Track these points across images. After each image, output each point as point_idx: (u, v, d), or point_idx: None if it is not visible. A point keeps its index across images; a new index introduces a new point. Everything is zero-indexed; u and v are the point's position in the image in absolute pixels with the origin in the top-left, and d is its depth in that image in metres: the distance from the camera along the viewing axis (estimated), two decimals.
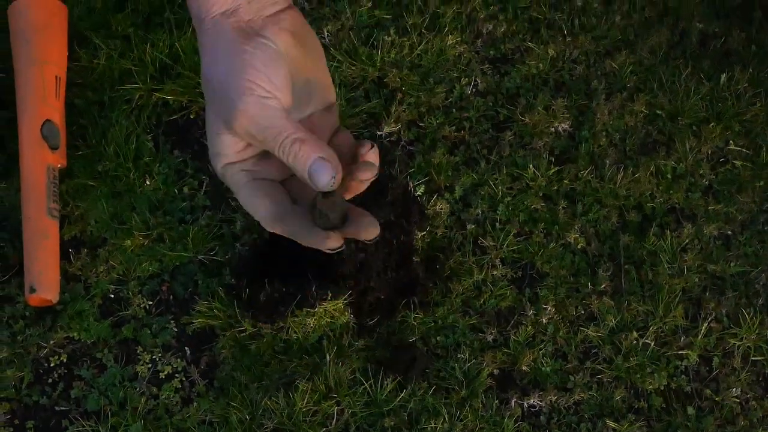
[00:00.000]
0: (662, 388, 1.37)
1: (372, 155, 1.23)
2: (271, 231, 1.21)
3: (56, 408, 1.35)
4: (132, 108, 1.49)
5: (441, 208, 1.42)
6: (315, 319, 1.34)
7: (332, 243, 1.22)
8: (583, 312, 1.38)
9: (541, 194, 1.43)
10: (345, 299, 1.32)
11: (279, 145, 1.14)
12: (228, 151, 1.18)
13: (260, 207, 1.20)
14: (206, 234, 1.40)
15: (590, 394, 1.36)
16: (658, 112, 1.50)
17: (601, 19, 1.58)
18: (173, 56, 1.51)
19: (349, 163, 1.25)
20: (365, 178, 1.21)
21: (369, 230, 1.21)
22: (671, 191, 1.46)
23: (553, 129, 1.48)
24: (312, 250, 1.28)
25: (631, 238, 1.42)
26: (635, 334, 1.38)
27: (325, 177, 1.14)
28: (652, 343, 1.37)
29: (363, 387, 1.33)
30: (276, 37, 1.17)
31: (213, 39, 1.17)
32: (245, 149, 1.18)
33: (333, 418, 1.33)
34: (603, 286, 1.40)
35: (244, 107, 1.14)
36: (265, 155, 1.20)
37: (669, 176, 1.46)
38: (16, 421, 1.35)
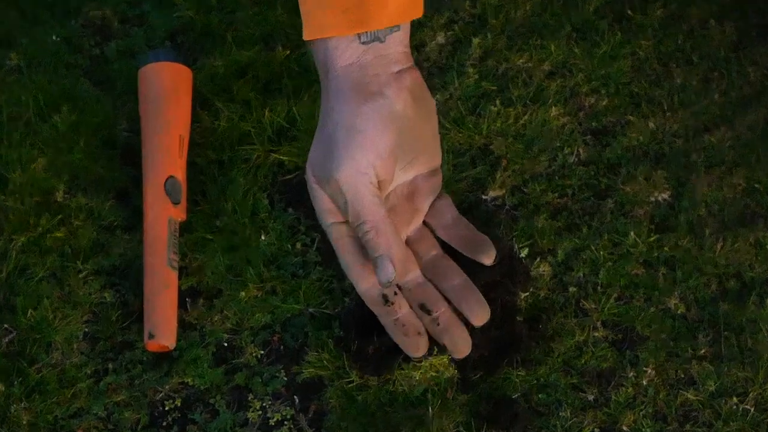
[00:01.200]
0: None
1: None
2: (368, 305, 1.26)
3: None
4: (249, 167, 1.57)
5: (544, 271, 1.47)
6: (420, 373, 1.39)
7: (417, 354, 1.29)
8: (683, 376, 1.42)
9: (641, 260, 1.48)
10: (450, 355, 1.36)
11: (356, 226, 1.21)
12: (329, 207, 1.24)
13: (362, 281, 1.26)
14: (317, 288, 1.46)
15: None
16: (756, 185, 1.54)
17: (700, 96, 1.63)
18: (290, 120, 1.60)
19: (454, 241, 1.32)
20: (477, 324, 1.28)
21: (462, 348, 1.28)
22: None
23: (653, 198, 1.53)
24: None
25: (731, 306, 1.46)
26: (735, 399, 1.41)
27: (383, 276, 1.20)
28: (752, 409, 1.40)
29: None
30: (396, 96, 1.24)
31: (335, 90, 1.24)
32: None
33: None
34: (703, 351, 1.43)
35: (339, 176, 1.20)
36: None
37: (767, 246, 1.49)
38: None
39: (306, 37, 1.22)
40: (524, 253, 1.50)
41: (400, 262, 1.23)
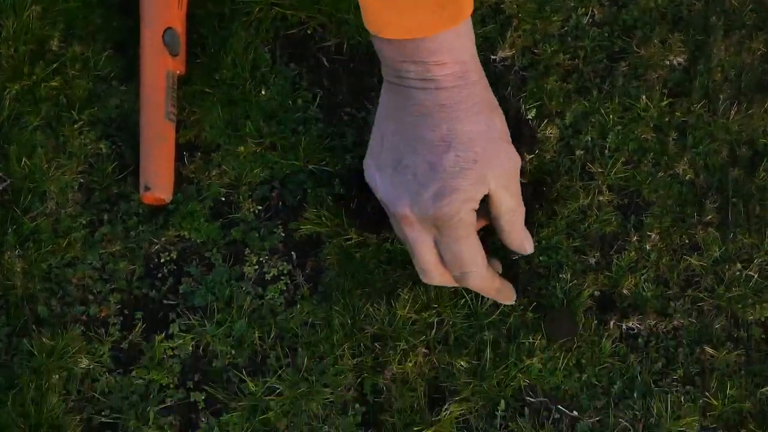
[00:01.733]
0: (763, 319, 1.42)
1: None
2: (483, 284, 1.31)
3: (164, 301, 1.44)
4: (251, 20, 1.57)
5: (551, 133, 1.48)
6: None
7: (508, 301, 1.34)
8: (687, 241, 1.44)
9: (652, 125, 1.48)
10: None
11: (519, 208, 1.31)
12: (477, 198, 1.26)
13: (483, 258, 1.29)
14: (317, 145, 1.48)
15: (690, 321, 1.41)
16: None
17: None
18: None
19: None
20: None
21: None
22: None
23: (668, 62, 1.53)
24: None
25: (741, 173, 1.47)
26: (739, 265, 1.43)
27: (531, 247, 1.25)
28: (756, 275, 1.42)
29: (464, 300, 1.40)
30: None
31: (482, 90, 1.32)
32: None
33: (433, 328, 1.40)
34: (709, 217, 1.44)
35: (514, 166, 1.32)
36: None
37: None
38: (126, 312, 1.44)
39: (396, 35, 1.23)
40: (531, 114, 1.51)
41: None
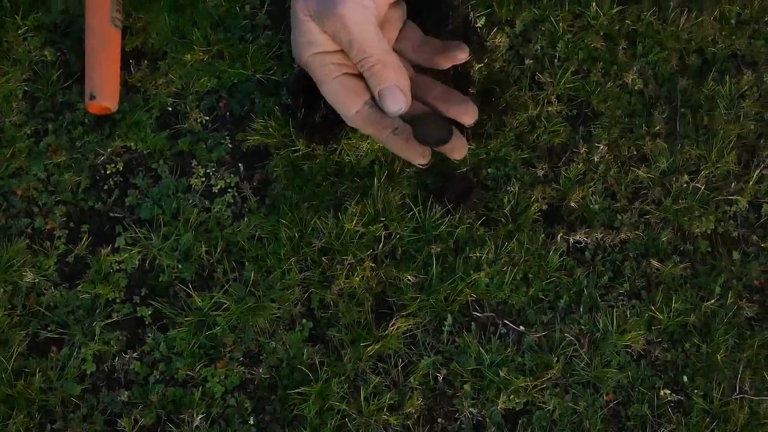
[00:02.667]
0: (709, 232, 1.33)
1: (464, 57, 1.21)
2: (354, 127, 1.19)
3: (110, 214, 1.33)
4: None
5: (500, 42, 1.36)
6: (368, 144, 1.30)
7: (423, 160, 1.20)
8: (635, 153, 1.34)
9: (601, 33, 1.38)
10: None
11: (361, 60, 1.13)
12: (319, 39, 1.16)
13: (351, 105, 1.19)
14: (265, 53, 1.36)
15: (636, 234, 1.32)
16: None
17: None
18: None
19: (425, 61, 1.23)
20: (462, 58, 1.21)
21: (469, 115, 1.20)
22: (734, 37, 1.40)
23: None
24: None
25: (690, 82, 1.36)
26: (686, 177, 1.34)
27: (394, 105, 1.15)
28: (703, 188, 1.33)
29: (411, 213, 1.30)
30: None
31: None
32: (330, 40, 1.15)
33: (380, 242, 1.30)
34: (657, 128, 1.35)
35: (344, 11, 1.12)
36: None
37: (733, 21, 1.39)
38: (72, 224, 1.33)
39: None
40: (481, 22, 1.39)
41: (407, 91, 1.16)
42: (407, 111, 1.17)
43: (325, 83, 1.17)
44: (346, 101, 1.18)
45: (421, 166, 1.26)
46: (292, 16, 1.15)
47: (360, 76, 1.18)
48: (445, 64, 1.23)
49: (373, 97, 1.18)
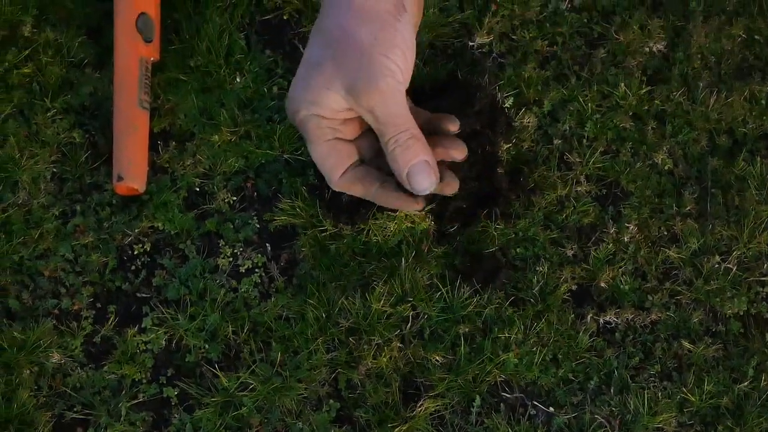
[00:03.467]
0: (741, 313, 1.39)
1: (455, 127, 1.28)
2: (339, 190, 1.25)
3: (137, 294, 1.39)
4: (226, 5, 1.52)
5: (528, 122, 1.43)
6: (395, 224, 1.37)
7: (417, 206, 1.27)
8: (666, 233, 1.40)
9: (630, 113, 1.44)
10: (426, 206, 1.34)
11: (396, 135, 1.20)
12: (329, 107, 1.22)
13: (339, 167, 1.25)
14: (293, 134, 1.43)
15: (668, 315, 1.37)
16: (756, 37, 1.49)
17: None
18: None
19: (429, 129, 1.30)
20: (458, 158, 1.27)
21: (451, 187, 1.27)
22: (764, 117, 1.46)
23: (647, 49, 1.48)
24: None
25: (720, 162, 1.43)
26: (717, 258, 1.39)
27: (425, 182, 1.22)
28: (734, 268, 1.38)
29: (439, 293, 1.36)
30: (410, 6, 1.23)
31: (359, 3, 1.20)
32: (345, 112, 1.22)
33: (408, 322, 1.36)
34: (688, 208, 1.41)
35: (385, 88, 1.19)
36: (351, 121, 1.22)
37: (763, 102, 1.46)
38: (98, 305, 1.39)
39: None
40: (509, 102, 1.46)
41: (435, 167, 1.24)
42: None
43: (316, 145, 1.23)
44: (336, 163, 1.24)
45: (417, 212, 1.33)
46: (309, 74, 1.21)
47: (349, 141, 1.24)
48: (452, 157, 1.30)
49: (360, 160, 1.24)
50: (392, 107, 1.21)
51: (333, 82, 1.20)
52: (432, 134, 1.31)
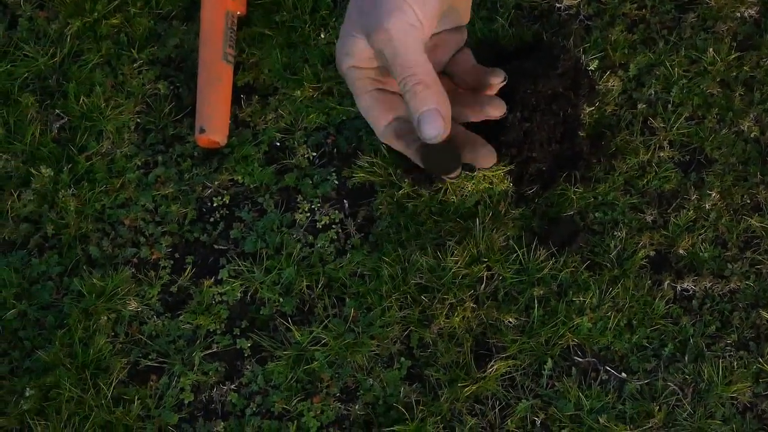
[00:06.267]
0: None
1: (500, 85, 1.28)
2: (385, 142, 1.26)
3: (215, 246, 1.42)
4: None
5: (613, 85, 1.43)
6: (473, 184, 1.37)
7: (452, 175, 1.27)
8: (749, 201, 1.39)
9: (718, 79, 1.43)
10: (506, 166, 1.34)
11: (404, 78, 1.19)
12: (359, 55, 1.23)
13: (381, 119, 1.26)
14: None
15: (747, 284, 1.37)
16: None
17: None
18: None
19: (471, 86, 1.29)
20: (494, 115, 1.26)
21: (487, 160, 1.26)
22: None
23: (738, 14, 1.47)
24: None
25: None
26: None
27: (433, 130, 1.19)
28: None
29: (515, 255, 1.37)
30: None
31: None
32: (374, 58, 1.22)
33: (482, 282, 1.37)
34: None
35: (389, 26, 1.18)
36: None
37: None
38: (177, 255, 1.42)
39: None
40: (593, 65, 1.45)
41: (448, 118, 1.22)
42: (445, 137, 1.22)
43: (360, 97, 1.24)
44: (378, 115, 1.25)
45: (451, 180, 1.33)
46: (341, 28, 1.22)
47: (395, 93, 1.24)
48: (482, 89, 1.29)
49: (403, 115, 1.24)
50: (400, 48, 1.20)
51: (356, 28, 1.21)
52: (477, 89, 1.31)
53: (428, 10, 1.20)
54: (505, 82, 1.29)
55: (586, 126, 1.40)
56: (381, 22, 1.17)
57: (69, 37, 1.52)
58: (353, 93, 1.26)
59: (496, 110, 1.29)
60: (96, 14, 1.52)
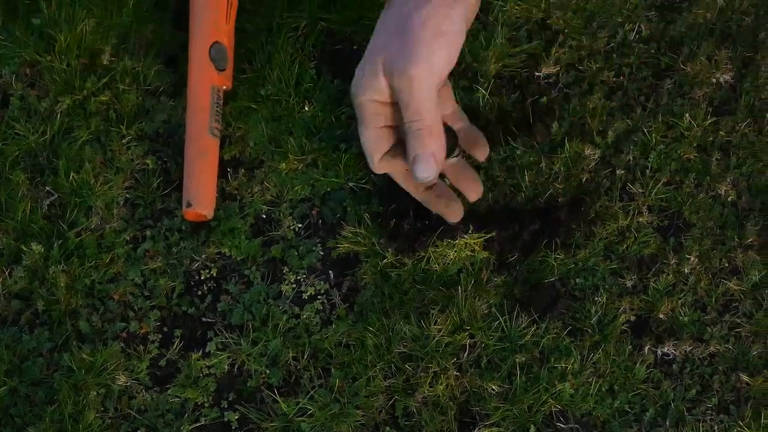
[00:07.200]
0: None
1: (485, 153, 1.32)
2: (379, 172, 1.30)
3: (203, 319, 1.44)
4: (298, 35, 1.57)
5: (591, 152, 1.45)
6: (455, 252, 1.39)
7: (454, 217, 1.32)
8: (727, 264, 1.41)
9: (695, 144, 1.46)
10: (486, 234, 1.37)
11: (413, 121, 1.24)
12: (380, 91, 1.27)
13: (380, 152, 1.29)
14: (358, 162, 1.47)
15: (726, 347, 1.38)
16: None
17: None
18: None
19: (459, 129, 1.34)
20: (480, 158, 1.31)
21: (482, 151, 1.30)
22: None
23: (714, 79, 1.49)
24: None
25: None
26: None
27: (425, 172, 1.26)
28: None
29: (497, 322, 1.39)
30: (465, 10, 1.27)
31: None
32: (392, 95, 1.26)
33: (465, 350, 1.39)
34: (750, 240, 1.42)
35: (415, 74, 1.24)
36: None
37: None
38: (165, 329, 1.45)
39: None
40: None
41: (440, 163, 1.27)
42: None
43: (367, 129, 1.28)
44: (378, 148, 1.29)
45: (453, 224, 1.37)
46: (365, 57, 1.25)
47: (395, 129, 1.28)
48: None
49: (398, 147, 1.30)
50: (417, 94, 1.25)
51: (378, 65, 1.25)
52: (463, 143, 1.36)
53: (452, 54, 1.25)
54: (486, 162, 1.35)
55: (564, 194, 1.42)
56: (408, 68, 1.22)
57: (59, 114, 1.55)
58: (361, 123, 1.30)
59: (482, 154, 1.34)
60: (85, 91, 1.55)
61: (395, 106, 1.28)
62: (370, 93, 1.28)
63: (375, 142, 1.30)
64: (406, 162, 1.29)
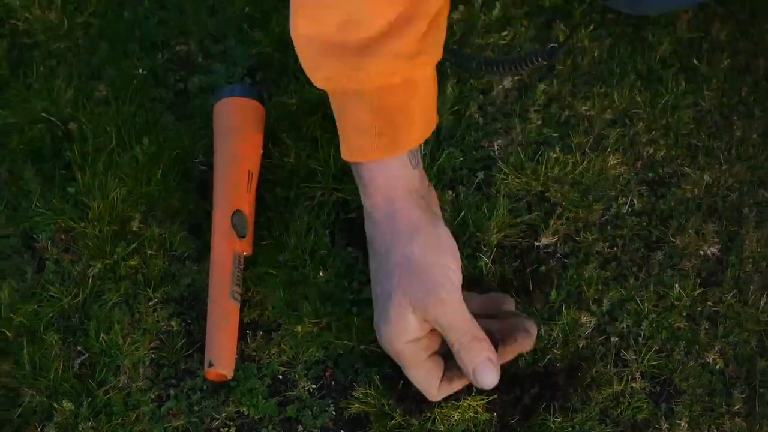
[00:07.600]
0: None
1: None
2: (439, 399, 1.43)
3: None
4: (314, 204, 1.68)
5: (587, 320, 1.55)
6: (459, 413, 1.48)
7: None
8: (715, 431, 1.49)
9: (684, 314, 1.55)
10: (489, 396, 1.46)
11: (459, 338, 1.34)
12: (415, 329, 1.37)
13: (436, 382, 1.39)
14: (369, 326, 1.55)
15: None
16: None
17: (758, 150, 1.69)
18: None
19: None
20: (528, 349, 1.41)
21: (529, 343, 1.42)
22: None
23: (702, 252, 1.59)
24: None
25: None
26: None
27: (490, 378, 1.35)
28: None
29: None
30: (438, 210, 1.41)
31: (407, 217, 1.37)
32: (424, 326, 1.36)
33: None
34: (737, 407, 1.49)
35: (444, 296, 1.35)
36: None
37: None
38: None
39: (345, 157, 1.45)
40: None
41: (497, 361, 1.37)
42: None
43: (415, 369, 1.36)
44: (433, 380, 1.38)
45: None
46: (385, 308, 1.34)
47: (436, 354, 1.36)
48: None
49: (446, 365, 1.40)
50: (452, 313, 1.34)
51: (406, 307, 1.35)
52: (493, 316, 1.45)
53: (458, 264, 1.38)
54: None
55: (563, 358, 1.51)
56: (436, 294, 1.32)
57: (91, 278, 1.65)
58: (405, 366, 1.40)
59: (530, 345, 1.51)
60: (116, 256, 1.66)
61: (427, 335, 1.37)
62: (405, 336, 1.37)
63: (426, 377, 1.39)
64: (464, 378, 1.38)
